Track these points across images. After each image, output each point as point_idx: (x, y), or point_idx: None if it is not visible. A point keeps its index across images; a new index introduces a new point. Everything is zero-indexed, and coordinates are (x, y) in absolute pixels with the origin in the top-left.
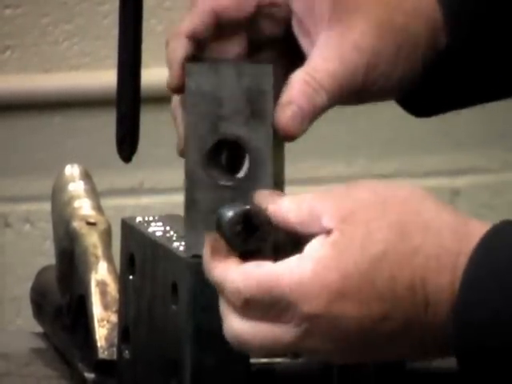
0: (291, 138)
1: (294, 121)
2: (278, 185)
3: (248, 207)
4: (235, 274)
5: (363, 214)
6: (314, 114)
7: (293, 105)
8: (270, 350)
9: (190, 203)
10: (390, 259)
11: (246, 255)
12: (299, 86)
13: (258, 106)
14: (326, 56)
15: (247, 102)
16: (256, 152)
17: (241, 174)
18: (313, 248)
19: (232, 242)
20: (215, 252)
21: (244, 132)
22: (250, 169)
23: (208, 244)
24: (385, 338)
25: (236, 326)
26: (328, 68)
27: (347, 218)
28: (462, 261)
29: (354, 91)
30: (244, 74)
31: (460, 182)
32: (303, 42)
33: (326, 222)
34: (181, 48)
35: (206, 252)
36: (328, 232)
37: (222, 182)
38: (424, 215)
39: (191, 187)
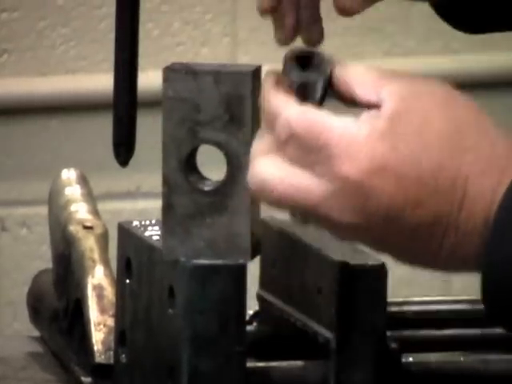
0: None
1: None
2: None
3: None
4: (293, 109)
5: (426, 100)
6: None
7: None
8: (291, 199)
9: (168, 208)
10: (441, 148)
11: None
12: None
13: (237, 112)
14: None
15: (226, 107)
16: (235, 157)
17: (219, 179)
18: (371, 116)
19: (290, 70)
20: (278, 84)
21: (222, 137)
22: (228, 173)
23: (272, 77)
24: (409, 230)
25: (265, 167)
26: None
27: (409, 100)
28: (509, 174)
29: None
30: (222, 80)
31: None
32: None
33: (386, 95)
34: None
35: (268, 82)
36: (386, 106)
37: (200, 187)
38: (483, 122)
39: (169, 192)
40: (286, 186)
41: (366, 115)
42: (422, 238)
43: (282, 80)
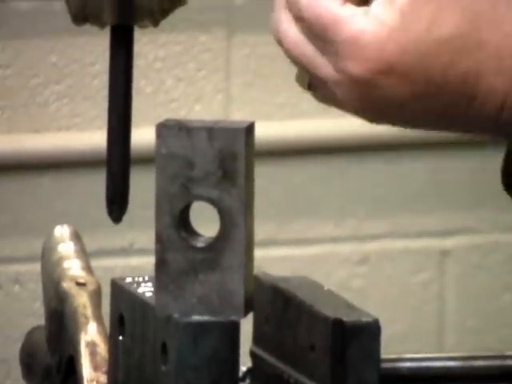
0: None
1: None
2: (250, 245)
3: None
4: None
5: None
6: None
7: None
8: (303, 64)
9: (161, 264)
10: (453, 45)
11: None
12: None
13: (230, 168)
14: None
15: (219, 164)
16: (228, 214)
17: (213, 236)
18: (380, 8)
19: None
20: None
21: (216, 194)
22: (221, 230)
23: None
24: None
25: (282, 26)
26: None
27: None
28: None
29: None
30: (216, 136)
31: (450, 242)
32: None
33: None
34: None
35: None
36: None
37: (193, 244)
38: (499, 9)
39: (162, 248)
40: (299, 52)
41: (376, 7)
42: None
43: None
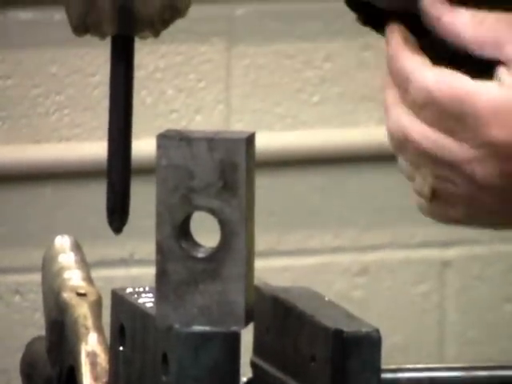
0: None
1: None
2: (251, 255)
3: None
4: (429, 73)
5: None
6: None
7: None
8: (433, 155)
9: (162, 274)
10: None
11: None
12: None
13: (231, 179)
14: None
15: (219, 174)
16: (229, 224)
17: (213, 246)
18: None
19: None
20: (407, 42)
21: (216, 204)
22: (222, 240)
23: (398, 31)
24: None
25: (405, 120)
26: None
27: None
28: None
29: None
30: (216, 147)
31: (450, 253)
32: None
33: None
34: None
35: (395, 38)
36: None
37: (194, 254)
38: None
39: (163, 259)
40: (429, 142)
41: (508, 79)
42: None
43: (408, 36)
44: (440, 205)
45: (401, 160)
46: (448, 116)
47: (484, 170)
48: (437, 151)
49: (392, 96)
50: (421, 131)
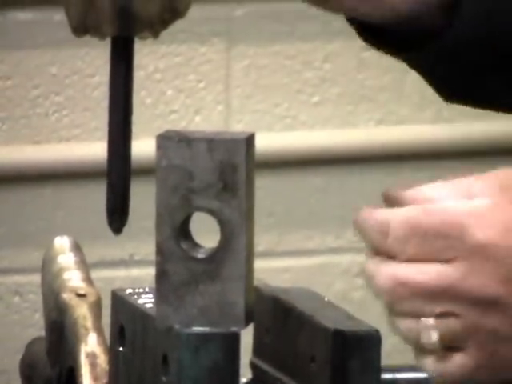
0: None
1: None
2: (250, 256)
3: None
4: (403, 210)
5: None
6: None
7: None
8: (431, 291)
9: (162, 275)
10: None
11: None
12: None
13: (231, 180)
14: None
15: (219, 175)
16: (229, 225)
17: (213, 247)
18: (483, 193)
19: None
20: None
21: (216, 205)
22: (222, 241)
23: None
24: None
25: (393, 267)
26: None
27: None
28: None
29: None
30: (216, 148)
31: None
32: None
33: (479, 188)
34: None
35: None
36: (484, 192)
37: (194, 255)
38: None
39: (163, 259)
40: (422, 278)
41: (479, 194)
42: None
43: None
44: (452, 353)
45: (398, 321)
46: (432, 240)
47: (480, 279)
48: (433, 279)
49: (373, 263)
50: (412, 269)
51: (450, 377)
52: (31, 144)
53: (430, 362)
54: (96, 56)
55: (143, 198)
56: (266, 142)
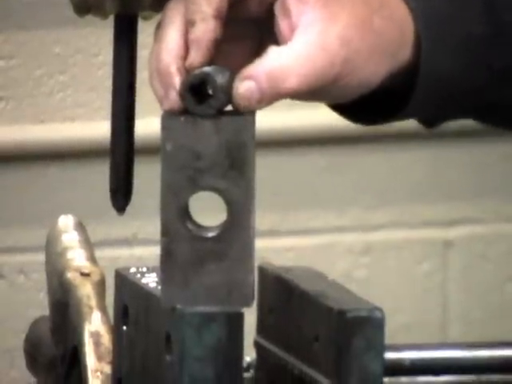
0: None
1: (250, 96)
2: (254, 235)
3: (209, 70)
4: None
5: None
6: (275, 96)
7: (250, 81)
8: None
9: (167, 255)
10: None
11: None
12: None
13: (238, 158)
14: (308, 40)
15: (226, 154)
16: (235, 204)
17: (219, 226)
18: None
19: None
20: None
21: (223, 184)
22: (229, 220)
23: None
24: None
25: None
26: (309, 53)
27: None
28: None
29: (326, 82)
30: (223, 126)
31: (453, 232)
32: (282, 23)
33: None
34: (210, 31)
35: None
36: None
37: (200, 234)
38: None
39: (168, 240)
40: None
41: None
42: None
43: None
44: None
45: None
46: None
47: None
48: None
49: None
50: None
51: None
52: (35, 123)
53: None
54: (100, 35)
55: (147, 177)
56: (269, 121)
